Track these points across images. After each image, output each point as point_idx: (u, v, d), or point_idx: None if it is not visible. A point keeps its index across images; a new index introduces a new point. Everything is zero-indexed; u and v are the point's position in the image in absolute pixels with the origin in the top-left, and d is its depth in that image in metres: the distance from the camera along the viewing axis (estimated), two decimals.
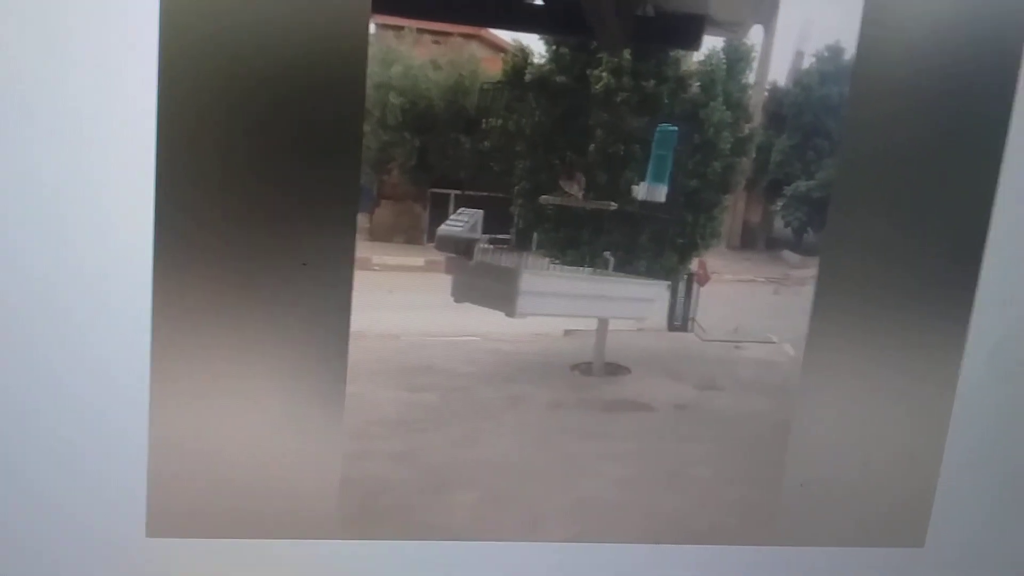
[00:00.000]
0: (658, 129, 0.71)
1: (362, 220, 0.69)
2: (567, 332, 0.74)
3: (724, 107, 0.72)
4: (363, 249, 0.70)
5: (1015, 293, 0.79)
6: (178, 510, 0.72)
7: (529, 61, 0.69)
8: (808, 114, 0.73)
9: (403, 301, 0.72)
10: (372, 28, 0.65)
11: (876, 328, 0.79)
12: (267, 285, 0.69)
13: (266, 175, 0.67)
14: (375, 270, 0.70)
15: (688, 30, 0.69)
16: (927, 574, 0.86)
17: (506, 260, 0.72)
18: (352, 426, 0.73)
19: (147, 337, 0.67)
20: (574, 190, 0.72)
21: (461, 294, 0.71)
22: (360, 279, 0.70)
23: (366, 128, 0.68)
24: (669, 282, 0.74)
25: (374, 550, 0.75)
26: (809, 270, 0.76)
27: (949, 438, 0.83)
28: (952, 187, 0.76)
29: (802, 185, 0.74)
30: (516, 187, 0.70)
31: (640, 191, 0.72)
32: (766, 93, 0.73)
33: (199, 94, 0.65)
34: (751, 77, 0.73)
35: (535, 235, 0.72)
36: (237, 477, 0.73)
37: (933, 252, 0.77)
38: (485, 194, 0.70)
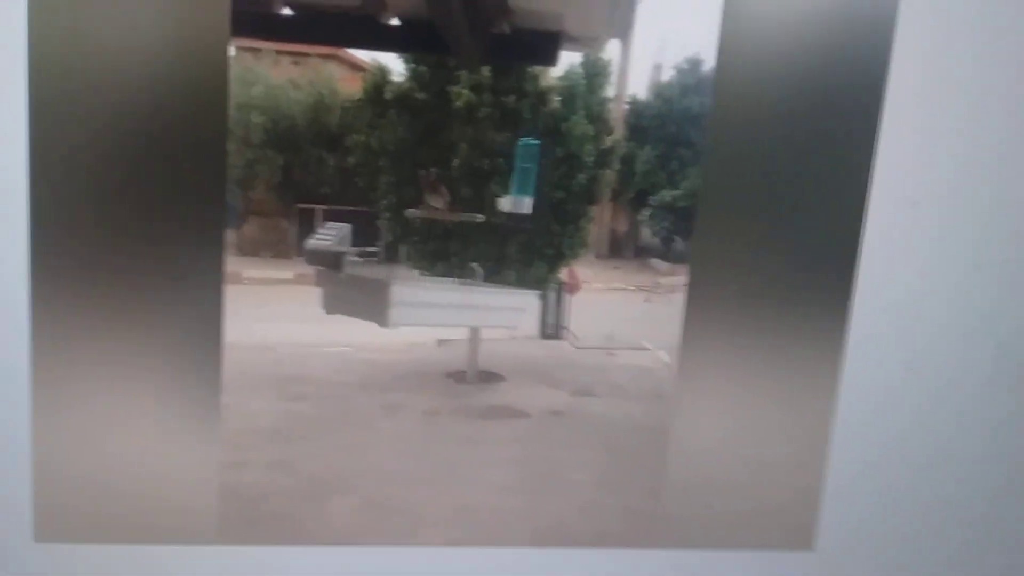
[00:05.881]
0: (520, 143, 0.73)
1: (231, 236, 0.72)
2: (441, 342, 0.76)
3: (585, 120, 0.74)
4: (233, 264, 0.72)
5: (894, 293, 0.80)
6: (65, 516, 0.73)
7: (388, 79, 0.71)
8: (670, 125, 0.74)
9: (275, 313, 0.74)
10: (232, 51, 0.67)
11: (751, 333, 0.79)
12: (142, 299, 0.71)
13: (136, 195, 0.69)
14: (245, 283, 0.72)
15: (544, 46, 0.71)
16: None
17: (376, 272, 0.74)
18: (228, 436, 0.75)
19: (26, 352, 0.69)
20: (439, 203, 0.74)
21: (332, 306, 0.73)
22: (231, 292, 0.72)
23: (230, 147, 0.70)
24: (539, 291, 0.76)
25: (254, 555, 0.77)
26: (679, 278, 0.77)
27: (833, 440, 0.83)
28: (822, 190, 0.77)
29: (667, 195, 0.75)
30: (382, 202, 0.72)
31: (506, 203, 0.74)
32: (626, 106, 0.75)
33: (69, 121, 0.65)
34: (610, 90, 0.74)
35: (403, 248, 0.74)
36: (120, 485, 0.74)
37: (806, 255, 0.78)
38: (352, 209, 0.72)
